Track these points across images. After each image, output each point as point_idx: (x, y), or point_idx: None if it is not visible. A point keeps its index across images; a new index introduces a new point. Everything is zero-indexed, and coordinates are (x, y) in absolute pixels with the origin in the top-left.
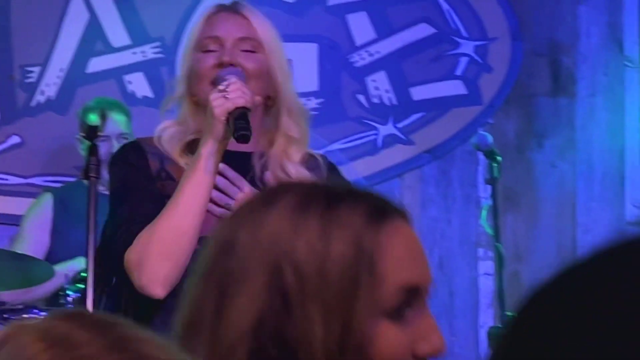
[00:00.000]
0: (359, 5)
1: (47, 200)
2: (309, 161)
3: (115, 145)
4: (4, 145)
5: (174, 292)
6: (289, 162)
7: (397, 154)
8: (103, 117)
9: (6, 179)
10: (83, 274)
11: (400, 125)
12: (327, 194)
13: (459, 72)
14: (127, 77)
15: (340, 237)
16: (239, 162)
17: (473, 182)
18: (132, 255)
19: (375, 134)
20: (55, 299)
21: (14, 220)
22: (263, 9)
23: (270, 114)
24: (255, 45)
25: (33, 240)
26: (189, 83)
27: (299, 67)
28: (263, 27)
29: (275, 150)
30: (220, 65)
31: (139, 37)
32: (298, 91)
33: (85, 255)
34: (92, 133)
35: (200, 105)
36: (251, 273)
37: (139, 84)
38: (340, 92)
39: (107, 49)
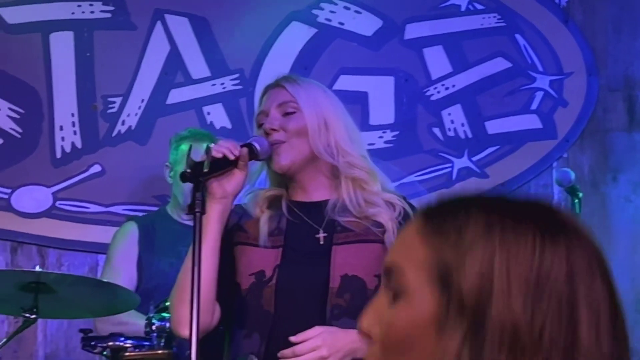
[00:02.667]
0: (435, 39)
1: (133, 230)
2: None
3: None
4: (86, 174)
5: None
6: (369, 194)
7: (471, 187)
8: (208, 154)
9: (87, 207)
10: (167, 303)
11: (475, 158)
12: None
13: (534, 106)
14: (206, 109)
15: None
16: (312, 212)
17: None
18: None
19: (450, 167)
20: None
21: (93, 248)
22: (340, 42)
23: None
24: (295, 106)
25: (124, 273)
26: None
27: (375, 100)
28: (300, 89)
29: (345, 194)
30: (267, 134)
31: (218, 69)
32: (374, 124)
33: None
34: (198, 169)
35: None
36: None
37: (217, 115)
38: (416, 124)
39: (187, 81)
